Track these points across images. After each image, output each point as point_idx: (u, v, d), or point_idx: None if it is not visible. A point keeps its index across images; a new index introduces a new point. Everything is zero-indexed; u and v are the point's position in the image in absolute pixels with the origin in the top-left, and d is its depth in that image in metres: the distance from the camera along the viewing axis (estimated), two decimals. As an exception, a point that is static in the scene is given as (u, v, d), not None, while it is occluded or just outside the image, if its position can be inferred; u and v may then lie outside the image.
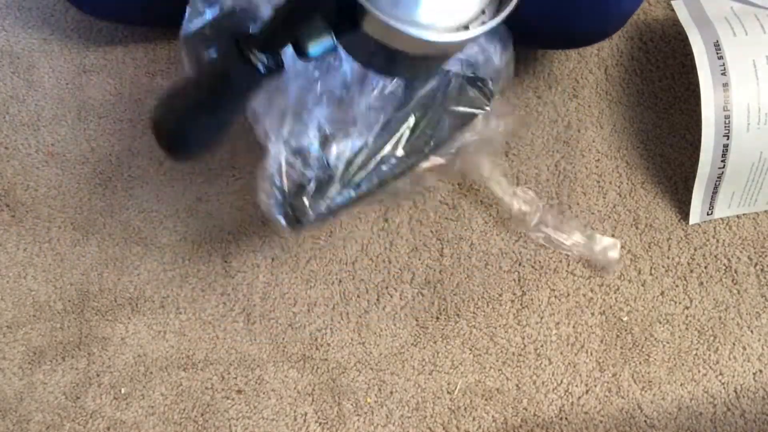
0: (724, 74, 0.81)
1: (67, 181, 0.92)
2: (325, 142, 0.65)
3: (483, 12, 0.49)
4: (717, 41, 0.83)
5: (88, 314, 0.86)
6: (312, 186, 0.66)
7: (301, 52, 0.46)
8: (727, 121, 0.81)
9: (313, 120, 0.64)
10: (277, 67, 0.46)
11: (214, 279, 0.87)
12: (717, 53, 0.82)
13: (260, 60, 0.44)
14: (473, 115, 0.71)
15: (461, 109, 0.70)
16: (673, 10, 0.89)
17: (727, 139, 0.82)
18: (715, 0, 0.87)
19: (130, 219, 0.90)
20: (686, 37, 0.84)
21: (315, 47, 0.46)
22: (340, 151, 0.65)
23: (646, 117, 0.94)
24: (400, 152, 0.67)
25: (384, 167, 0.67)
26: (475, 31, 0.48)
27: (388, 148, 0.67)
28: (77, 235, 0.90)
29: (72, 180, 0.92)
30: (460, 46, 0.51)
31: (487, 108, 0.71)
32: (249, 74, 0.45)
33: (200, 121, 0.48)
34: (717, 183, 0.85)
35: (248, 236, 0.88)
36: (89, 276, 0.88)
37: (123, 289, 0.87)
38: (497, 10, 0.49)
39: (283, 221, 0.66)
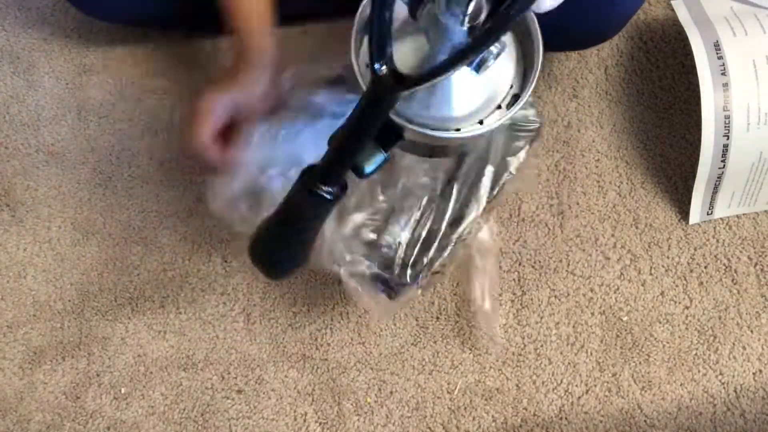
0: (724, 74, 0.81)
1: (67, 181, 0.92)
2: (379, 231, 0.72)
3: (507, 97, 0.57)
4: (717, 41, 0.83)
5: (88, 314, 0.86)
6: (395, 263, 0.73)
7: (359, 174, 0.51)
8: (727, 121, 0.81)
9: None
10: (342, 191, 0.50)
11: (214, 279, 0.87)
12: (717, 53, 0.82)
13: (325, 191, 0.49)
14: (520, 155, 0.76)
15: (510, 159, 0.74)
16: (673, 10, 0.89)
17: (727, 139, 0.82)
18: (715, 0, 0.87)
19: (130, 219, 0.90)
20: (686, 37, 0.84)
21: (370, 166, 0.51)
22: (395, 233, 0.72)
23: (646, 117, 0.94)
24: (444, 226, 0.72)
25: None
26: (493, 124, 0.55)
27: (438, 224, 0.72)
28: (77, 234, 0.90)
29: (72, 180, 0.92)
30: (487, 134, 0.58)
31: (536, 144, 0.75)
32: (319, 204, 0.50)
33: (285, 251, 0.55)
34: (717, 183, 0.85)
35: (248, 236, 0.88)
36: (89, 276, 0.88)
37: (123, 289, 0.87)
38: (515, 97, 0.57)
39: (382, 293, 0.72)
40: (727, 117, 0.81)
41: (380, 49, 0.45)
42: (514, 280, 0.87)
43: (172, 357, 0.84)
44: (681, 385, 0.83)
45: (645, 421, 0.81)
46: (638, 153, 0.92)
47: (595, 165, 0.92)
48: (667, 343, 0.84)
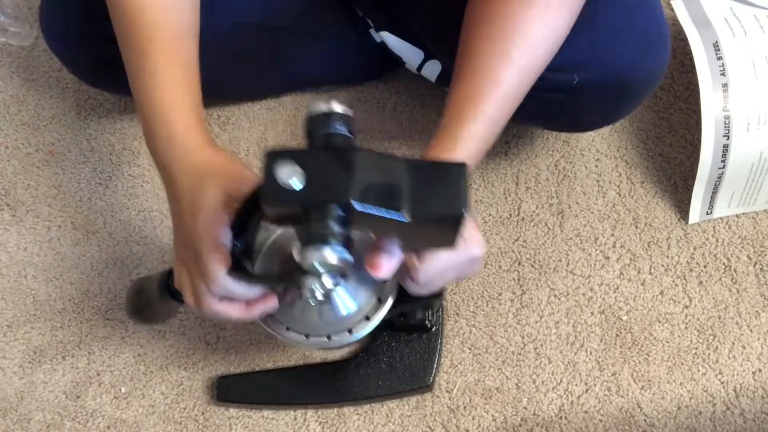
0: (723, 74, 0.82)
1: (68, 180, 0.92)
2: None
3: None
4: (716, 42, 0.83)
5: (88, 313, 0.87)
6: None
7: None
8: (727, 122, 0.81)
9: None
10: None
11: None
12: (716, 54, 0.82)
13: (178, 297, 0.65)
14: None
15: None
16: (672, 10, 0.90)
17: (727, 139, 0.82)
18: (715, 0, 0.87)
19: (130, 218, 0.90)
20: (686, 37, 0.84)
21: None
22: None
23: (645, 117, 0.94)
24: None
25: None
26: (361, 334, 0.64)
27: None
28: (77, 234, 0.90)
29: (72, 179, 0.92)
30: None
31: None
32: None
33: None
34: (717, 183, 0.85)
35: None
36: (89, 275, 0.88)
37: (123, 288, 0.87)
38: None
39: None
40: (727, 117, 0.81)
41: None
42: (513, 279, 0.87)
43: (172, 356, 0.84)
44: (681, 384, 0.83)
45: (645, 420, 0.81)
46: (638, 153, 0.92)
47: (595, 164, 0.92)
48: (667, 342, 0.84)
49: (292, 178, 0.43)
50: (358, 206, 0.44)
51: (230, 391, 0.82)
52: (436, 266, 0.56)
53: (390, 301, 0.66)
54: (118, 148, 0.94)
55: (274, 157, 0.44)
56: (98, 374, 0.84)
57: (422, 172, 0.46)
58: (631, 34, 0.69)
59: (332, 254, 0.43)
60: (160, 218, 0.90)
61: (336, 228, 0.44)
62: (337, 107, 0.48)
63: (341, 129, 0.47)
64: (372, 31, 0.87)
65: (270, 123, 0.96)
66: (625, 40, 0.69)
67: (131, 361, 0.85)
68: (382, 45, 0.87)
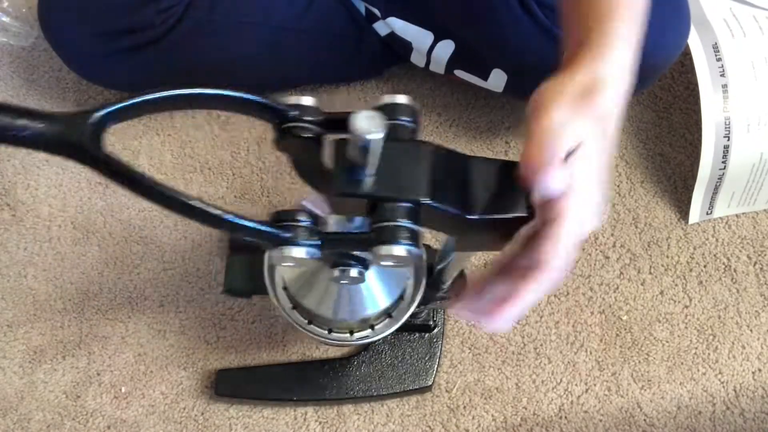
0: (723, 76, 0.82)
1: (68, 180, 0.92)
2: None
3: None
4: (716, 43, 0.83)
5: (88, 313, 0.86)
6: None
7: None
8: (727, 123, 0.81)
9: None
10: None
11: (214, 278, 0.87)
12: (716, 55, 0.82)
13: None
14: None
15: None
16: (672, 10, 0.90)
17: (728, 140, 0.82)
18: (714, 0, 0.87)
19: (130, 218, 0.90)
20: (685, 37, 0.84)
21: None
22: None
23: (645, 116, 0.94)
24: None
25: None
26: (384, 332, 0.66)
27: None
28: (77, 234, 0.90)
29: (72, 179, 0.92)
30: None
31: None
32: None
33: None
34: (717, 184, 0.85)
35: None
36: (89, 275, 0.88)
37: (123, 288, 0.87)
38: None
39: None
40: (727, 119, 0.81)
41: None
42: (513, 279, 0.87)
43: (172, 356, 0.84)
44: (680, 384, 0.83)
45: (644, 420, 0.81)
46: (638, 152, 0.92)
47: (595, 165, 0.92)
48: (667, 342, 0.84)
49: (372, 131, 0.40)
50: (429, 203, 0.43)
51: (229, 385, 0.82)
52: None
53: (416, 301, 0.65)
54: (118, 148, 0.94)
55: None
56: (98, 374, 0.84)
57: (487, 169, 0.46)
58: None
59: (401, 249, 0.43)
60: (160, 218, 0.90)
61: (405, 223, 0.43)
62: (401, 98, 0.46)
63: (406, 120, 0.46)
64: (378, 23, 0.87)
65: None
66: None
67: (131, 361, 0.84)
68: (388, 38, 0.87)
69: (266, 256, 0.64)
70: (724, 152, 0.83)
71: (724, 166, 0.83)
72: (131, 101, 0.42)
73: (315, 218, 0.46)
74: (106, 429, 0.82)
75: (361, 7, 0.87)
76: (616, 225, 0.89)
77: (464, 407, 0.82)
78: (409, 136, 0.46)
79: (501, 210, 0.45)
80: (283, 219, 0.46)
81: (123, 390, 0.83)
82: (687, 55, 0.85)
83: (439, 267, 0.68)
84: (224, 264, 0.80)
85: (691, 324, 0.85)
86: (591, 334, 0.85)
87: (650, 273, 0.87)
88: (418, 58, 0.88)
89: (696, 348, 0.84)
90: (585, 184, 0.44)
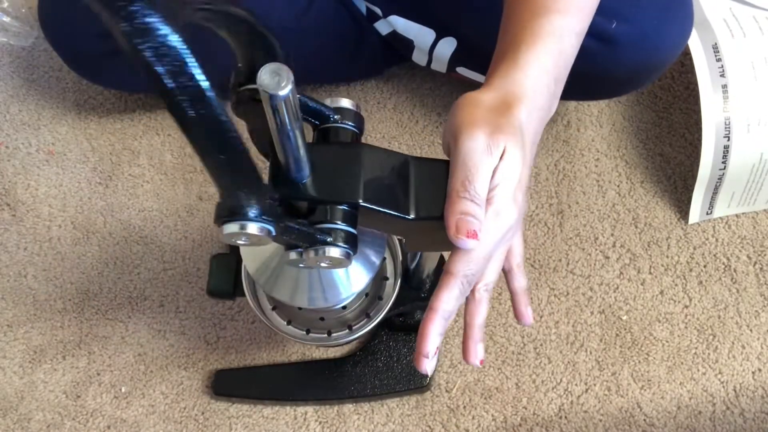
0: (722, 76, 0.82)
1: (68, 180, 0.92)
2: None
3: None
4: (715, 44, 0.83)
5: (88, 313, 0.87)
6: None
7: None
8: (727, 123, 0.81)
9: None
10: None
11: (215, 278, 0.87)
12: (716, 55, 0.82)
13: None
14: None
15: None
16: (672, 10, 0.90)
17: (728, 140, 0.82)
18: (714, 1, 0.87)
19: (130, 218, 0.90)
20: (685, 37, 0.84)
21: None
22: None
23: (645, 116, 0.94)
24: None
25: None
26: (360, 332, 0.66)
27: None
28: (78, 234, 0.90)
29: (72, 179, 0.92)
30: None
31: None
32: None
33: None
34: (717, 184, 0.85)
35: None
36: (89, 275, 0.88)
37: (123, 288, 0.87)
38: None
39: None
40: (727, 119, 0.81)
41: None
42: (513, 279, 0.87)
43: (172, 356, 0.84)
44: (680, 384, 0.83)
45: (644, 420, 0.81)
46: (638, 152, 0.92)
47: (595, 164, 0.92)
48: (667, 342, 0.84)
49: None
50: (365, 205, 0.44)
51: (227, 385, 0.82)
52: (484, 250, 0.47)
53: (391, 301, 0.66)
54: (118, 148, 0.94)
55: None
56: (98, 374, 0.84)
57: (425, 170, 0.46)
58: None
59: (336, 251, 0.44)
60: (160, 218, 0.90)
61: (341, 225, 0.44)
62: (345, 102, 0.47)
63: (348, 124, 0.47)
64: (379, 23, 0.87)
65: (270, 123, 0.96)
66: (652, 3, 0.71)
67: (131, 361, 0.84)
68: (389, 37, 0.87)
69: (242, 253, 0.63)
70: (724, 152, 0.83)
71: (724, 166, 0.83)
72: None
73: (277, 200, 0.45)
74: (106, 429, 0.82)
75: (362, 6, 0.87)
76: (616, 225, 0.89)
77: (464, 407, 0.82)
78: (352, 140, 0.47)
79: (440, 210, 0.45)
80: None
81: (123, 390, 0.84)
82: (687, 55, 0.85)
83: (411, 267, 0.68)
84: None
85: (691, 324, 0.85)
86: (591, 334, 0.85)
87: (650, 273, 0.87)
88: (419, 57, 0.88)
89: (696, 348, 0.84)
90: (502, 203, 0.45)
